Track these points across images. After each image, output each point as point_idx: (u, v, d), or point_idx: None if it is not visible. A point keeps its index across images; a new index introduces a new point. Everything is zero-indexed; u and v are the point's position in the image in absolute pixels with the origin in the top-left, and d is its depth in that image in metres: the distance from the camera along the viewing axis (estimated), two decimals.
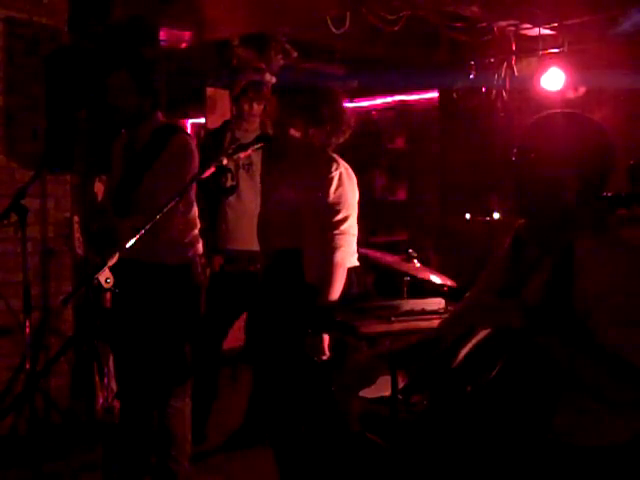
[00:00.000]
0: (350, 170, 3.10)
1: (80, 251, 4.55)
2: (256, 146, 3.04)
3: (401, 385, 2.65)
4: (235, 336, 4.43)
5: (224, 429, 4.37)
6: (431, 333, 2.41)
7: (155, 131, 3.36)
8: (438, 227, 7.18)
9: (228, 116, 4.65)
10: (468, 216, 6.57)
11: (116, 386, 3.70)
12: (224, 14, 5.17)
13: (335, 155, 3.09)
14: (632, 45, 5.55)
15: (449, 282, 3.71)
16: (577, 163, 2.03)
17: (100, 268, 2.22)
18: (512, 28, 5.94)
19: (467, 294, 2.39)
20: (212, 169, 2.70)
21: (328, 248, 2.99)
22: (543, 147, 2.07)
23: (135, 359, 3.39)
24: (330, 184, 3.00)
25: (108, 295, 2.32)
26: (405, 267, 3.70)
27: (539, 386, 1.99)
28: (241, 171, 4.29)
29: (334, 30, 5.18)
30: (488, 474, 2.03)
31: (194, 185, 3.29)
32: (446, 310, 2.89)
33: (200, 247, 3.52)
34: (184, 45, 5.97)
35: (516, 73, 6.22)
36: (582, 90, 5.84)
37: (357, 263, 3.11)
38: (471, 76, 6.38)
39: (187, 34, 5.79)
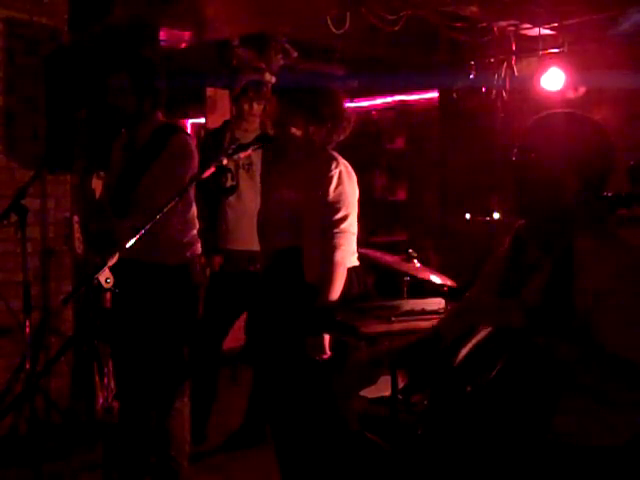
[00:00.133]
0: (350, 168, 3.10)
1: (80, 251, 4.55)
2: (256, 146, 3.04)
3: (401, 385, 2.65)
4: (235, 336, 4.43)
5: (224, 429, 4.37)
6: (429, 332, 2.41)
7: (155, 131, 3.36)
8: (438, 227, 7.18)
9: (228, 116, 4.65)
10: (468, 216, 6.57)
11: (115, 386, 3.70)
12: (224, 14, 5.17)
13: (335, 153, 3.09)
14: (632, 45, 5.55)
15: (449, 282, 3.71)
16: (577, 163, 2.03)
17: (100, 268, 2.22)
18: (512, 28, 5.95)
19: (466, 294, 2.39)
20: (212, 169, 2.70)
21: (328, 247, 2.99)
22: (543, 147, 2.07)
23: (134, 359, 3.39)
24: (330, 182, 3.00)
25: (108, 295, 2.32)
26: (405, 267, 3.70)
27: (539, 386, 1.99)
28: (241, 171, 4.29)
29: (334, 30, 5.18)
30: (488, 474, 2.03)
31: (193, 185, 3.29)
32: (446, 310, 2.89)
33: (199, 247, 3.52)
34: (184, 45, 5.98)
35: (516, 73, 6.22)
36: (582, 90, 5.84)
37: (357, 263, 3.11)
38: (471, 76, 6.38)
39: (187, 34, 5.80)
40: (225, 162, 2.75)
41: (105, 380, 4.18)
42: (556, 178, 2.04)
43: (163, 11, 5.06)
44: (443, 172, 7.35)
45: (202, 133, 6.36)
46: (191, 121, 7.03)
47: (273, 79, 5.36)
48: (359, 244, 3.15)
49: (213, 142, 4.36)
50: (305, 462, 3.15)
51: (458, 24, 5.79)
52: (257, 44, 5.86)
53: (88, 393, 4.35)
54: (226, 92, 5.71)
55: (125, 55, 3.40)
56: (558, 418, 1.97)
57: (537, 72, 5.89)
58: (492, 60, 6.35)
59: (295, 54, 5.98)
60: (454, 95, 6.65)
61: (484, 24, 5.87)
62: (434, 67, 6.59)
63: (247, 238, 3.88)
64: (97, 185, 3.36)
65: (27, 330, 3.66)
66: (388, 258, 3.79)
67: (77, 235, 4.55)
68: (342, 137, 3.13)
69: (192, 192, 3.43)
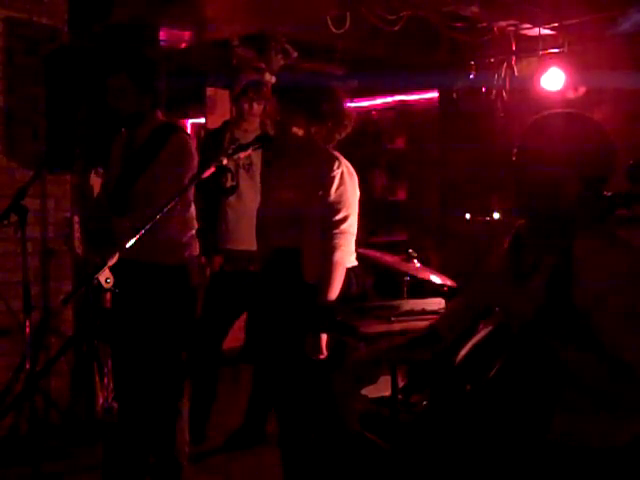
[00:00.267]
0: (352, 169, 3.09)
1: (80, 251, 4.55)
2: (256, 146, 3.04)
3: (401, 385, 2.66)
4: (235, 336, 4.43)
5: (224, 429, 4.37)
6: (425, 330, 2.41)
7: (154, 130, 3.36)
8: (438, 227, 7.18)
9: (228, 116, 4.65)
10: (468, 216, 6.57)
11: (113, 386, 3.71)
12: (224, 14, 5.17)
13: (337, 153, 3.09)
14: (632, 45, 5.55)
15: (449, 282, 3.71)
16: (577, 163, 2.03)
17: (100, 268, 2.22)
18: (512, 28, 5.94)
19: (463, 292, 2.39)
20: (212, 169, 2.70)
21: (327, 247, 2.99)
22: (543, 147, 2.07)
23: (132, 359, 3.39)
24: (331, 183, 3.00)
25: (108, 295, 2.32)
26: (405, 267, 3.70)
27: (538, 386, 1.99)
28: (241, 171, 4.29)
29: (334, 30, 5.18)
30: (487, 474, 2.03)
31: (193, 185, 3.29)
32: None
33: (197, 248, 3.51)
34: (184, 45, 5.97)
35: (516, 73, 6.22)
36: (582, 90, 5.84)
37: (356, 263, 3.11)
38: (471, 76, 6.38)
39: (187, 34, 5.80)
40: (225, 162, 2.75)
41: (105, 380, 4.18)
42: (556, 178, 2.04)
43: (163, 11, 5.06)
44: (443, 172, 7.35)
45: (202, 133, 6.36)
46: (191, 121, 7.03)
47: (273, 79, 5.35)
48: (359, 244, 3.15)
49: (213, 142, 4.37)
50: (306, 461, 3.15)
51: (458, 24, 5.79)
52: (257, 44, 5.86)
53: (88, 393, 4.35)
54: (226, 92, 5.71)
55: (125, 55, 3.40)
56: (558, 419, 1.97)
57: (537, 72, 5.88)
58: (492, 60, 6.35)
59: (295, 54, 5.98)
60: (454, 95, 6.65)
61: (484, 24, 5.86)
62: (434, 67, 6.59)
63: (247, 238, 3.87)
64: (95, 182, 3.35)
65: (27, 330, 3.66)
66: (388, 258, 3.79)
67: (77, 235, 4.55)
68: (344, 135, 3.13)
69: (191, 192, 3.43)
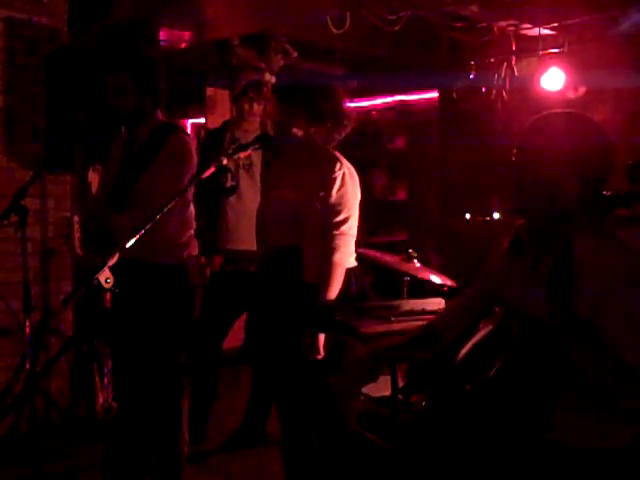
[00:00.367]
0: (353, 170, 3.09)
1: (80, 251, 4.55)
2: (256, 146, 3.04)
3: (401, 385, 2.66)
4: (235, 336, 4.43)
5: (224, 429, 4.37)
6: (421, 329, 2.40)
7: (154, 130, 3.36)
8: (438, 227, 7.18)
9: (228, 116, 4.65)
10: (468, 216, 6.57)
11: (113, 386, 3.71)
12: (224, 14, 5.17)
13: (338, 154, 3.09)
14: (632, 45, 5.55)
15: (449, 282, 3.71)
16: (577, 163, 2.03)
17: (100, 268, 2.22)
18: (512, 28, 5.95)
19: (462, 292, 2.39)
20: (212, 169, 2.70)
21: (327, 248, 2.99)
22: (543, 147, 2.07)
23: (131, 359, 3.38)
24: (333, 184, 3.00)
25: (108, 295, 2.32)
26: (405, 267, 3.70)
27: (538, 386, 1.99)
28: (241, 171, 4.29)
29: (334, 30, 5.18)
30: (487, 474, 2.03)
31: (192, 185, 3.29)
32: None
33: (195, 248, 3.51)
34: (184, 45, 5.97)
35: (516, 73, 6.22)
36: (582, 90, 5.84)
37: (355, 264, 3.12)
38: (471, 76, 6.38)
39: (187, 34, 5.80)
40: (225, 162, 2.75)
41: (105, 380, 4.18)
42: (555, 178, 2.04)
43: (163, 11, 5.06)
44: (443, 172, 7.35)
45: (202, 133, 6.35)
46: (191, 121, 7.02)
47: (273, 79, 5.36)
48: (359, 244, 3.15)
49: (213, 142, 4.36)
50: (307, 461, 3.16)
51: (458, 24, 5.80)
52: (257, 44, 5.86)
53: (88, 393, 4.35)
54: (226, 92, 5.71)
55: (125, 54, 3.40)
56: (558, 419, 1.97)
57: (537, 72, 5.89)
58: (492, 60, 6.35)
59: (295, 54, 5.98)
60: (454, 95, 6.65)
61: (484, 24, 5.87)
62: (434, 67, 6.59)
63: (247, 238, 3.87)
64: (93, 178, 3.35)
65: (27, 330, 3.66)
66: (388, 258, 3.78)
67: (77, 235, 4.54)
68: (343, 135, 3.13)
69: (190, 192, 3.43)
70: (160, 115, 3.42)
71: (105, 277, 2.20)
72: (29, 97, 4.40)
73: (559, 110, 2.18)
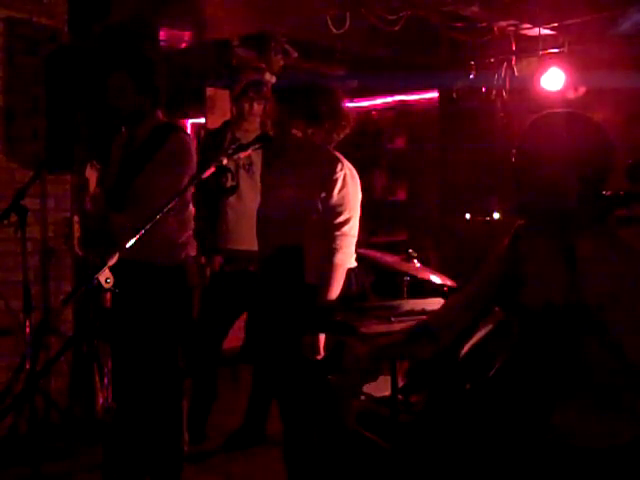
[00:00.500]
0: (354, 171, 3.10)
1: (79, 251, 4.55)
2: (256, 146, 3.04)
3: (401, 385, 2.65)
4: (235, 336, 4.43)
5: (224, 429, 4.37)
6: (421, 326, 2.40)
7: (154, 129, 3.36)
8: (438, 227, 7.18)
9: (228, 116, 4.65)
10: (468, 216, 6.57)
11: (112, 386, 3.71)
12: (224, 14, 5.17)
13: (340, 155, 3.09)
14: (632, 45, 5.55)
15: (449, 282, 3.70)
16: (577, 163, 2.03)
17: (100, 268, 2.22)
18: (512, 28, 5.94)
19: (462, 290, 2.39)
20: (212, 169, 2.70)
21: (329, 249, 3.00)
22: (543, 147, 2.07)
23: (130, 359, 3.38)
24: (334, 185, 3.00)
25: (108, 295, 2.32)
26: (405, 267, 3.69)
27: (538, 385, 1.99)
28: (241, 171, 4.29)
29: (334, 30, 5.18)
30: (487, 474, 2.03)
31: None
32: None
33: (194, 249, 3.51)
34: (184, 45, 5.97)
35: (516, 73, 6.22)
36: (582, 90, 5.84)
37: (356, 264, 3.12)
38: (471, 76, 6.38)
39: (187, 34, 5.80)
40: (225, 162, 2.75)
41: (105, 380, 4.18)
42: (555, 178, 2.04)
43: (163, 11, 5.06)
44: (443, 172, 7.35)
45: (202, 133, 6.36)
46: (191, 121, 7.02)
47: (273, 79, 5.36)
48: (359, 244, 3.15)
49: (213, 142, 4.37)
50: (308, 461, 3.16)
51: (458, 24, 5.79)
52: (257, 44, 5.86)
53: (88, 393, 4.35)
54: (226, 92, 5.71)
55: (125, 53, 3.40)
56: (558, 418, 1.97)
57: (537, 72, 5.88)
58: (492, 60, 6.35)
59: (295, 54, 5.98)
60: (454, 95, 6.65)
61: (484, 24, 5.86)
62: (434, 67, 6.59)
63: (247, 238, 3.87)
64: (91, 174, 3.34)
65: (27, 330, 3.66)
66: (388, 258, 3.78)
67: (77, 235, 4.55)
68: (342, 136, 3.13)
69: (189, 192, 3.42)
70: (160, 115, 3.42)
71: (105, 277, 2.20)
72: (29, 97, 4.40)
73: (559, 110, 2.18)
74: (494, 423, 2.03)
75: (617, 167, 2.12)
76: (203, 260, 4.34)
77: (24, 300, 3.69)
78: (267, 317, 3.16)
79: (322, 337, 2.96)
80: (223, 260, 4.32)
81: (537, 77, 5.86)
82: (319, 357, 2.96)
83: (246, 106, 4.28)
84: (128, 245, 2.32)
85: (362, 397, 3.00)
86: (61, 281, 4.56)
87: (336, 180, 3.00)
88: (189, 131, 6.72)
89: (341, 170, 3.02)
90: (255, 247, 3.37)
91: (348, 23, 5.17)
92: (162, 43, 5.58)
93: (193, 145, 3.46)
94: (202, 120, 6.51)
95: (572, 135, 2.05)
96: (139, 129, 3.37)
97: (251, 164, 4.26)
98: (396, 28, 5.29)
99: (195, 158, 3.38)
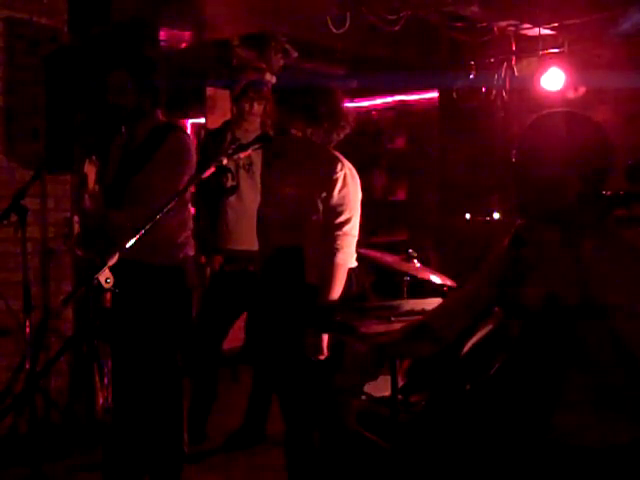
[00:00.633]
0: (354, 171, 3.10)
1: (79, 250, 4.55)
2: (256, 146, 3.04)
3: (401, 385, 2.66)
4: (235, 336, 4.44)
5: (224, 429, 4.37)
6: (419, 324, 2.40)
7: (154, 129, 3.36)
8: (438, 227, 7.18)
9: (228, 116, 4.65)
10: (468, 216, 6.57)
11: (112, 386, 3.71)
12: (224, 14, 5.17)
13: (339, 155, 3.09)
14: (632, 45, 5.55)
15: (449, 282, 3.70)
16: (577, 162, 2.03)
17: (100, 268, 2.22)
18: (512, 28, 5.95)
19: (461, 288, 2.39)
20: (212, 169, 2.70)
21: (330, 249, 3.00)
22: (543, 146, 2.07)
23: (129, 359, 3.38)
24: (334, 185, 3.00)
25: (108, 295, 2.32)
26: (405, 267, 3.69)
27: (538, 386, 1.99)
28: (241, 171, 4.29)
29: (334, 30, 5.18)
30: (487, 474, 2.03)
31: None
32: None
33: (192, 249, 3.51)
34: (184, 45, 5.97)
35: (516, 73, 6.22)
36: (582, 90, 5.84)
37: (356, 264, 3.12)
38: (471, 76, 6.38)
39: (187, 34, 5.80)
40: (225, 162, 2.75)
41: (105, 380, 4.18)
42: (556, 177, 2.04)
43: (163, 11, 5.06)
44: (443, 172, 7.35)
45: (202, 133, 6.36)
46: (191, 121, 7.03)
47: (274, 79, 5.36)
48: (359, 244, 3.15)
49: (213, 142, 4.37)
50: (309, 460, 3.16)
51: (458, 24, 5.80)
52: (257, 44, 5.86)
53: (88, 393, 4.35)
54: (226, 92, 5.70)
55: (125, 51, 3.40)
56: (558, 418, 1.97)
57: (537, 72, 5.89)
58: (492, 60, 6.35)
59: (295, 54, 5.98)
60: (454, 95, 6.65)
61: (484, 24, 5.87)
62: (434, 67, 6.59)
63: (247, 238, 3.87)
64: (90, 170, 3.34)
65: (27, 330, 3.66)
66: (388, 258, 3.78)
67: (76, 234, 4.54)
68: (342, 136, 3.12)
69: (188, 192, 3.42)
70: (160, 115, 3.42)
71: (105, 277, 2.20)
72: (29, 97, 4.40)
73: (559, 109, 2.18)
74: (494, 423, 2.03)
75: (617, 167, 2.12)
76: (203, 260, 4.34)
77: (24, 300, 3.69)
78: (268, 317, 3.16)
79: (325, 337, 2.96)
80: (223, 260, 4.32)
81: (537, 77, 5.86)
82: (322, 357, 2.96)
83: (246, 106, 4.28)
84: (128, 245, 2.32)
85: (362, 397, 3.01)
86: (61, 281, 4.55)
87: (336, 180, 3.01)
88: (189, 131, 6.72)
89: (341, 170, 3.02)
90: (255, 247, 3.37)
91: (348, 23, 5.17)
92: (162, 43, 5.58)
93: (193, 145, 3.46)
94: (202, 120, 6.51)
95: (572, 135, 2.05)
96: (139, 129, 3.37)
97: (251, 164, 4.26)
98: (396, 28, 5.29)
99: (194, 158, 3.38)
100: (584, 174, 2.03)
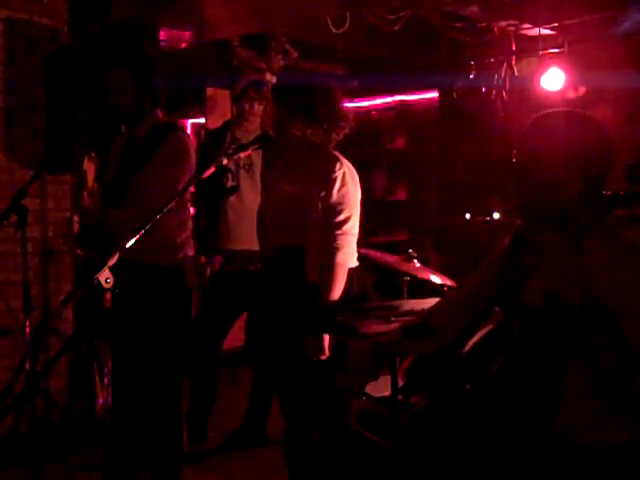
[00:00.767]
0: (353, 170, 3.10)
1: (80, 251, 4.55)
2: (256, 146, 3.04)
3: (401, 385, 2.65)
4: (235, 336, 4.44)
5: (224, 429, 4.37)
6: (417, 322, 2.40)
7: (154, 129, 3.36)
8: (438, 227, 7.18)
9: (228, 116, 4.66)
10: (468, 216, 6.57)
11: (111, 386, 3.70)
12: (224, 14, 5.17)
13: (339, 154, 3.09)
14: (632, 45, 5.55)
15: (449, 282, 3.70)
16: (577, 162, 2.03)
17: (100, 268, 2.22)
18: (512, 28, 5.95)
19: (461, 286, 2.39)
20: (212, 169, 2.70)
21: (330, 248, 3.00)
22: (543, 146, 2.07)
23: (128, 359, 3.38)
24: (334, 184, 3.00)
25: (108, 295, 2.32)
26: (405, 267, 3.70)
27: (538, 386, 1.99)
28: (241, 171, 4.29)
29: (334, 30, 5.18)
30: (488, 474, 2.03)
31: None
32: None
33: (192, 249, 3.50)
34: (184, 45, 5.97)
35: (516, 73, 6.22)
36: (582, 90, 5.84)
37: (357, 263, 3.12)
38: (471, 76, 6.38)
39: (187, 34, 5.80)
40: (225, 162, 2.75)
41: (105, 380, 4.17)
42: (556, 177, 2.04)
43: (163, 11, 5.06)
44: (443, 172, 7.35)
45: (202, 133, 6.36)
46: (191, 121, 7.02)
47: (274, 79, 5.36)
48: (359, 244, 3.15)
49: (213, 142, 4.37)
50: (309, 460, 3.16)
51: (458, 24, 5.79)
52: (257, 44, 5.86)
53: (88, 393, 4.35)
54: (226, 92, 5.71)
55: (125, 50, 3.40)
56: (559, 418, 1.97)
57: (537, 72, 5.89)
58: (492, 60, 6.35)
59: (295, 54, 5.98)
60: (454, 95, 6.65)
61: (484, 24, 5.86)
62: (434, 67, 6.59)
63: (248, 238, 3.88)
64: (89, 167, 3.34)
65: (27, 330, 3.66)
66: (388, 258, 3.78)
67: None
68: (342, 136, 3.13)
69: (188, 192, 3.42)
70: (160, 114, 3.42)
71: (105, 277, 2.20)
72: (29, 97, 4.40)
73: (559, 109, 2.18)
74: (494, 423, 2.03)
75: (617, 167, 2.12)
76: (203, 260, 4.34)
77: (24, 300, 3.69)
78: (269, 318, 3.16)
79: (326, 337, 2.96)
80: (223, 260, 4.33)
81: (537, 77, 5.86)
82: (324, 357, 2.96)
83: (246, 106, 4.28)
84: (128, 245, 2.32)
85: (363, 397, 3.01)
86: (61, 281, 4.56)
87: (335, 179, 3.01)
88: (189, 131, 6.72)
89: (340, 169, 3.02)
90: (255, 247, 3.37)
91: (348, 23, 5.17)
92: (162, 43, 5.58)
93: (193, 145, 3.46)
94: (202, 120, 6.51)
95: (573, 134, 2.05)
96: (139, 128, 3.37)
97: (251, 164, 4.26)
98: (396, 28, 5.29)
99: (194, 158, 3.38)
100: (585, 174, 2.03)
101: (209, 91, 6.22)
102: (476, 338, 2.15)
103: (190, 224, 3.50)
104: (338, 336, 2.94)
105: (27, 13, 4.39)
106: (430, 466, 2.11)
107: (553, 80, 5.80)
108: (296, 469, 3.21)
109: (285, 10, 5.12)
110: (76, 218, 4.56)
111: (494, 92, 6.34)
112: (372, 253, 3.70)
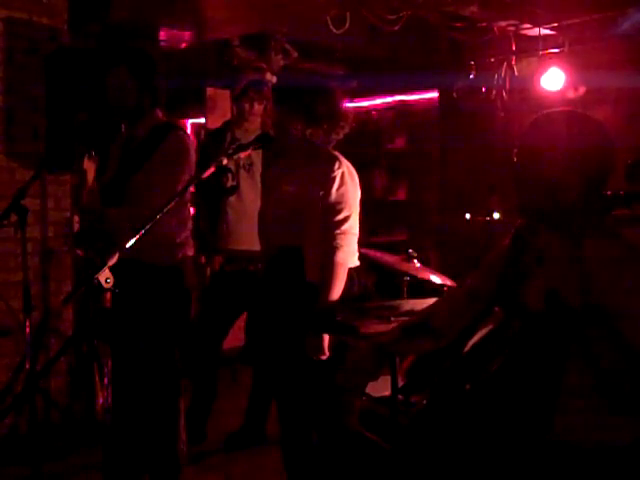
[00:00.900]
0: (352, 169, 3.10)
1: (80, 251, 4.55)
2: (256, 146, 3.04)
3: (401, 385, 2.66)
4: (235, 336, 4.43)
5: (224, 429, 4.37)
6: (417, 321, 2.39)
7: (154, 128, 3.36)
8: (438, 227, 7.18)
9: (228, 116, 4.65)
10: (468, 216, 6.57)
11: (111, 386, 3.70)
12: (224, 14, 5.17)
13: (337, 153, 3.09)
14: (632, 45, 5.55)
15: (449, 282, 3.70)
16: (578, 162, 2.03)
17: (100, 268, 2.22)
18: (512, 28, 5.95)
19: (461, 290, 2.38)
20: (212, 169, 2.70)
21: (329, 248, 2.99)
22: (544, 146, 2.07)
23: (128, 359, 3.38)
24: (332, 183, 3.00)
25: (108, 295, 2.32)
26: (405, 267, 3.69)
27: (538, 386, 1.99)
28: (241, 171, 4.29)
29: (334, 30, 5.18)
30: (488, 475, 2.03)
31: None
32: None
33: (191, 249, 3.50)
34: (184, 45, 5.98)
35: (516, 73, 6.23)
36: (582, 90, 5.85)
37: (358, 263, 3.12)
38: (471, 76, 6.38)
39: (187, 34, 5.80)
40: (225, 162, 2.75)
41: (105, 380, 4.18)
42: (557, 177, 2.04)
43: (163, 11, 5.06)
44: (443, 172, 7.35)
45: (202, 133, 6.36)
46: (191, 121, 7.03)
47: (274, 79, 5.36)
48: (359, 244, 3.15)
49: (213, 142, 4.37)
50: (307, 461, 3.16)
51: (458, 24, 5.80)
52: (257, 44, 5.86)
53: (88, 393, 4.35)
54: (226, 92, 5.70)
55: (125, 50, 3.40)
56: (559, 418, 1.97)
57: (537, 72, 5.89)
58: (492, 60, 6.36)
59: (295, 54, 5.98)
60: (454, 95, 6.65)
61: (484, 24, 5.87)
62: (434, 67, 6.59)
63: (248, 238, 3.88)
64: (89, 166, 3.33)
65: (27, 330, 3.66)
66: (388, 258, 3.78)
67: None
68: (341, 136, 3.13)
69: (188, 192, 3.42)
70: (160, 114, 3.42)
71: (105, 277, 2.20)
72: (29, 97, 4.40)
73: (560, 109, 2.18)
74: (494, 423, 2.03)
75: (617, 167, 2.12)
76: (203, 260, 4.34)
77: (24, 300, 3.69)
78: (269, 318, 3.16)
79: (326, 337, 2.95)
80: (223, 260, 4.33)
81: (537, 77, 5.86)
82: (324, 357, 2.96)
83: (247, 106, 4.28)
84: (128, 245, 2.32)
85: (363, 397, 3.01)
86: (61, 281, 4.56)
87: (334, 178, 3.01)
88: (189, 131, 6.72)
89: (339, 168, 3.02)
90: (255, 247, 3.37)
91: (348, 23, 5.17)
92: (162, 43, 5.58)
93: (193, 144, 3.45)
94: (202, 120, 6.51)
95: (573, 134, 2.05)
96: (139, 128, 3.37)
97: (251, 164, 4.26)
98: (396, 28, 5.29)
99: (194, 157, 3.38)
100: (585, 174, 2.03)
101: (209, 91, 6.22)
102: (476, 338, 2.15)
103: (190, 224, 3.50)
104: (338, 336, 2.94)
105: (27, 13, 4.39)
106: (430, 466, 2.11)
107: (553, 80, 5.80)
108: (294, 469, 3.21)
109: (285, 10, 5.12)
110: (76, 218, 4.56)
111: (494, 92, 6.34)
112: (372, 253, 3.70)
